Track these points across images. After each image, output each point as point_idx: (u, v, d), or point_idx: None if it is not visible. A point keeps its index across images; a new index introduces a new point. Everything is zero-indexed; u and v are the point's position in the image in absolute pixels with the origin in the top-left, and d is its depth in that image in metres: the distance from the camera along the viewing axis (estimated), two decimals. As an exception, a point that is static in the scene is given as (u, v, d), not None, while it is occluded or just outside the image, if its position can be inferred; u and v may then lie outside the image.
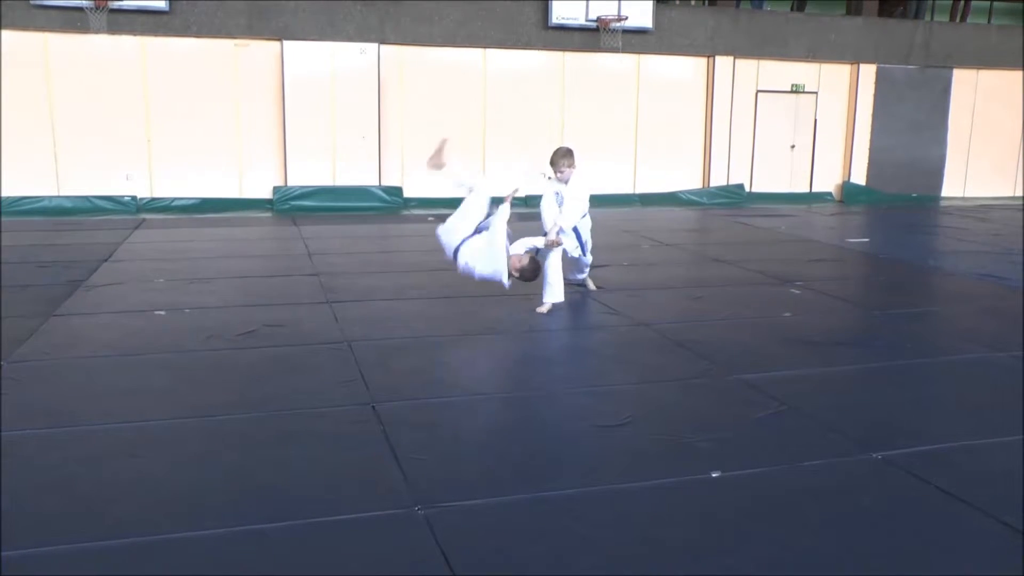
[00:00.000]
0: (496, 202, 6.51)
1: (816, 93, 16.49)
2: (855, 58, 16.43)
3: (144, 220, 12.30)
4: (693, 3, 16.93)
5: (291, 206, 13.75)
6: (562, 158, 6.71)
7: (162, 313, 6.50)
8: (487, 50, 14.55)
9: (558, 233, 6.63)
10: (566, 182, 6.73)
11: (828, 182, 16.95)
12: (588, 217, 7.07)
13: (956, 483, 3.60)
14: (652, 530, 3.20)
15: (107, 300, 6.96)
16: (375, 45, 13.87)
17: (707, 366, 5.34)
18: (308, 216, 13.08)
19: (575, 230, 6.91)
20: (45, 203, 12.92)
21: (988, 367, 5.45)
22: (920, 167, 17.29)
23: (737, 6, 16.69)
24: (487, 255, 6.34)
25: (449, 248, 6.57)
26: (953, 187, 17.69)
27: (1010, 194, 18.06)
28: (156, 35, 13.09)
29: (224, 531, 3.13)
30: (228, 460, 3.80)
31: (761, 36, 15.82)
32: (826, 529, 3.22)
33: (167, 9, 12.88)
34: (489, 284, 6.59)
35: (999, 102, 17.54)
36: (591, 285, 7.43)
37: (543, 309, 6.63)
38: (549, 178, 6.81)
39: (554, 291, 6.65)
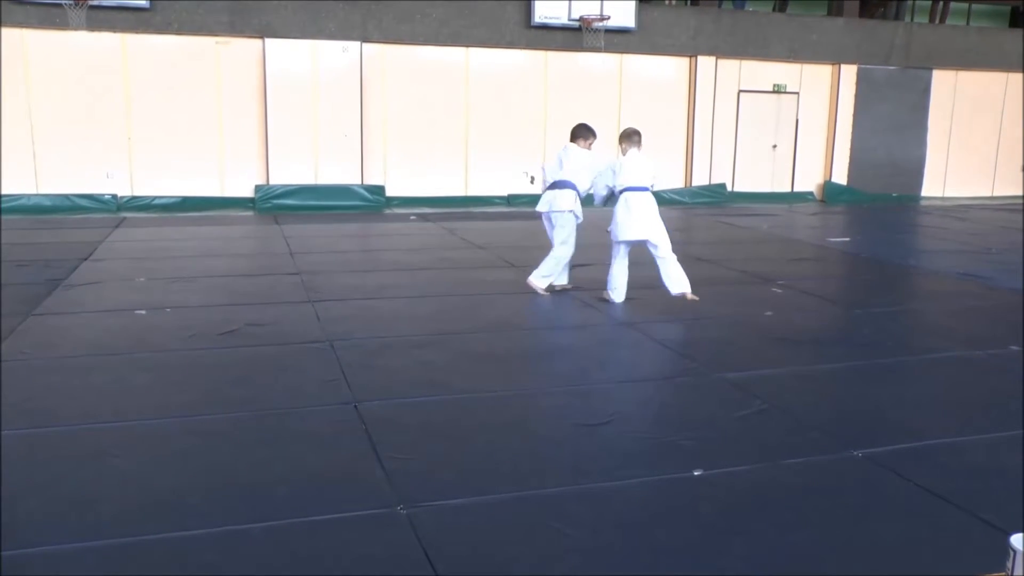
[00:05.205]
0: None
1: (798, 93, 16.58)
2: (836, 58, 16.54)
3: (124, 219, 12.20)
4: (675, 3, 16.97)
5: (273, 205, 13.67)
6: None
7: (143, 312, 6.45)
8: (470, 49, 14.54)
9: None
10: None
11: (809, 182, 17.06)
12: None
13: (937, 480, 3.63)
14: (635, 528, 3.20)
15: (87, 299, 6.89)
16: (357, 43, 13.82)
17: (689, 365, 5.36)
18: (290, 215, 13.02)
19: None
20: (24, 201, 12.78)
21: (968, 365, 5.50)
22: (900, 167, 17.44)
23: (719, 6, 16.75)
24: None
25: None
26: (933, 187, 17.86)
27: (988, 194, 18.25)
28: (137, 32, 12.99)
29: (206, 531, 3.11)
30: (209, 460, 3.77)
31: (743, 36, 15.90)
32: (808, 527, 3.23)
33: (148, 6, 12.78)
34: (472, 285, 6.77)
35: (978, 103, 17.73)
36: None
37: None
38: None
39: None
